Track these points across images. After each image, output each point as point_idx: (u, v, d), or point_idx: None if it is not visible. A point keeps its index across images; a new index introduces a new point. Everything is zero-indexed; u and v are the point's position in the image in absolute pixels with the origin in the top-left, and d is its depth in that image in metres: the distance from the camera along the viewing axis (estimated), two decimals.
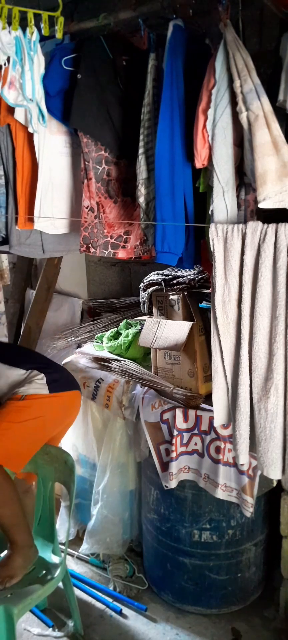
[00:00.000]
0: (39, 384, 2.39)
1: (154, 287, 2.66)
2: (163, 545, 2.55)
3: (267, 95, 1.78)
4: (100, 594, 2.63)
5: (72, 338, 3.44)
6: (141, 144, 2.13)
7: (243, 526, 2.44)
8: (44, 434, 2.41)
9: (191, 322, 2.45)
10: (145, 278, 2.76)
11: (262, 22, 2.52)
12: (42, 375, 2.41)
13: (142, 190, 2.15)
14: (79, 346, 3.26)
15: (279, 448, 1.88)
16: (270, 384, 1.84)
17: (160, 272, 2.70)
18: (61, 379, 2.49)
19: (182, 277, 2.59)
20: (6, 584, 2.18)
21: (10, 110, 2.28)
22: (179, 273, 2.63)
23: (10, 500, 2.25)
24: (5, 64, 2.15)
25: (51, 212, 2.45)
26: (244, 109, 1.77)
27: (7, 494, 2.24)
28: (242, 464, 2.17)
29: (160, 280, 2.63)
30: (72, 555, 2.88)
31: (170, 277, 2.63)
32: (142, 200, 2.16)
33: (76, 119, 2.23)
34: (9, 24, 2.12)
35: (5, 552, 2.33)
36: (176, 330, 2.48)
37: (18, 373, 2.43)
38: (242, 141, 1.88)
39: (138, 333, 2.82)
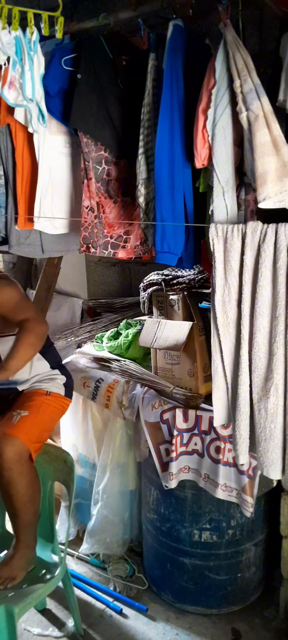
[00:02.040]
0: (59, 384, 2.45)
1: (154, 287, 2.66)
2: (164, 545, 2.55)
3: (267, 95, 1.78)
4: (100, 593, 2.63)
5: (72, 338, 3.44)
6: (141, 144, 2.13)
7: (243, 526, 2.44)
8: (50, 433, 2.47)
9: (191, 322, 2.45)
10: (145, 278, 2.76)
11: (262, 22, 2.52)
12: (63, 376, 2.48)
13: (141, 190, 2.16)
14: (79, 346, 3.26)
15: (279, 448, 1.88)
16: (270, 384, 1.84)
17: (160, 272, 2.70)
18: (70, 385, 2.54)
19: (182, 277, 2.59)
20: (8, 584, 2.18)
21: (10, 110, 2.28)
22: (179, 273, 2.63)
23: (36, 497, 2.28)
24: (5, 64, 2.15)
25: (51, 212, 2.45)
26: (244, 109, 1.78)
27: (37, 491, 2.28)
28: (242, 464, 2.17)
29: (160, 280, 2.63)
30: (72, 555, 2.87)
31: (170, 277, 2.63)
32: (141, 200, 2.16)
33: (76, 119, 2.24)
34: (9, 24, 2.12)
35: (5, 552, 2.34)
36: (176, 330, 2.48)
37: (46, 366, 2.46)
38: (242, 141, 1.88)
39: (138, 333, 2.82)
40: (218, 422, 2.02)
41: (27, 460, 2.20)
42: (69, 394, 2.48)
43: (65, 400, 2.46)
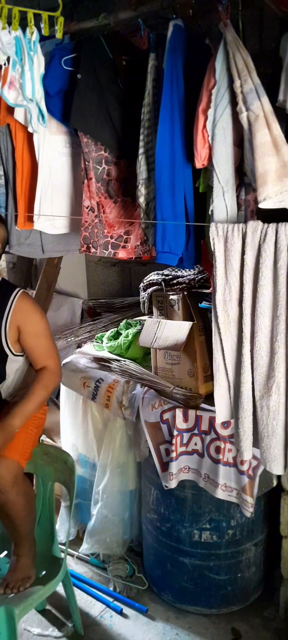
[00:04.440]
0: None
1: (154, 287, 2.66)
2: (164, 545, 2.54)
3: (267, 95, 1.78)
4: (100, 594, 2.63)
5: (72, 338, 3.44)
6: (141, 144, 2.13)
7: (243, 526, 2.44)
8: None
9: (191, 322, 2.45)
10: (145, 278, 2.76)
11: (262, 22, 2.52)
12: None
13: (142, 190, 2.15)
14: (79, 346, 3.25)
15: (281, 444, 1.90)
16: (272, 382, 1.85)
17: (160, 272, 2.70)
18: None
19: (182, 277, 2.59)
20: (26, 584, 2.19)
21: (10, 110, 2.28)
22: (179, 273, 2.63)
23: (33, 507, 2.30)
24: (5, 64, 2.15)
25: (51, 212, 2.45)
26: (244, 109, 1.78)
27: (33, 501, 2.30)
28: (245, 460, 2.18)
29: (160, 280, 2.63)
30: (72, 555, 2.87)
31: (170, 277, 2.63)
32: (142, 200, 2.16)
33: (76, 119, 2.24)
34: (9, 24, 2.12)
35: (5, 552, 2.33)
36: (176, 330, 2.48)
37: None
38: (242, 141, 1.88)
39: (138, 333, 2.82)
40: (220, 419, 2.03)
41: (22, 477, 2.20)
42: (48, 401, 2.47)
43: (46, 408, 2.45)
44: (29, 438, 2.27)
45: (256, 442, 1.96)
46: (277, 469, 1.93)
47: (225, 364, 1.94)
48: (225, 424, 2.23)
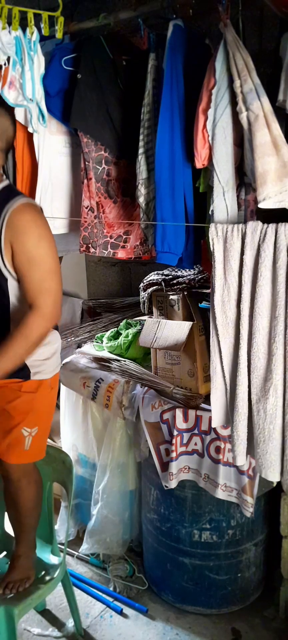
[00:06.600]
0: (58, 358, 2.14)
1: (154, 287, 2.65)
2: (164, 545, 2.54)
3: (267, 95, 1.78)
4: (100, 594, 2.63)
5: (72, 338, 3.44)
6: (141, 144, 2.13)
7: (243, 526, 2.44)
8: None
9: (191, 322, 2.45)
10: (145, 278, 2.76)
11: (262, 22, 2.52)
12: (59, 344, 2.15)
13: (141, 190, 2.16)
14: (79, 346, 3.25)
15: (278, 450, 1.88)
16: (269, 384, 1.84)
17: (160, 272, 2.70)
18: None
19: (182, 277, 2.59)
20: (26, 584, 2.18)
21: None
22: (179, 273, 2.63)
23: (40, 502, 2.29)
24: (5, 64, 2.16)
25: (51, 212, 2.45)
26: (244, 109, 1.78)
27: (41, 495, 2.28)
28: (240, 466, 2.17)
29: (160, 280, 2.63)
30: (72, 555, 2.87)
31: (170, 277, 2.62)
32: (141, 200, 2.17)
33: (76, 119, 2.24)
34: (9, 24, 2.12)
35: (5, 552, 2.33)
36: (176, 330, 2.48)
37: (57, 338, 2.11)
38: (242, 141, 1.88)
39: (138, 333, 2.81)
40: (216, 423, 2.02)
41: (33, 467, 2.21)
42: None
43: (58, 377, 2.17)
44: (46, 431, 2.22)
45: (251, 449, 1.94)
46: (273, 475, 1.89)
47: (222, 366, 1.93)
48: (225, 424, 2.23)
